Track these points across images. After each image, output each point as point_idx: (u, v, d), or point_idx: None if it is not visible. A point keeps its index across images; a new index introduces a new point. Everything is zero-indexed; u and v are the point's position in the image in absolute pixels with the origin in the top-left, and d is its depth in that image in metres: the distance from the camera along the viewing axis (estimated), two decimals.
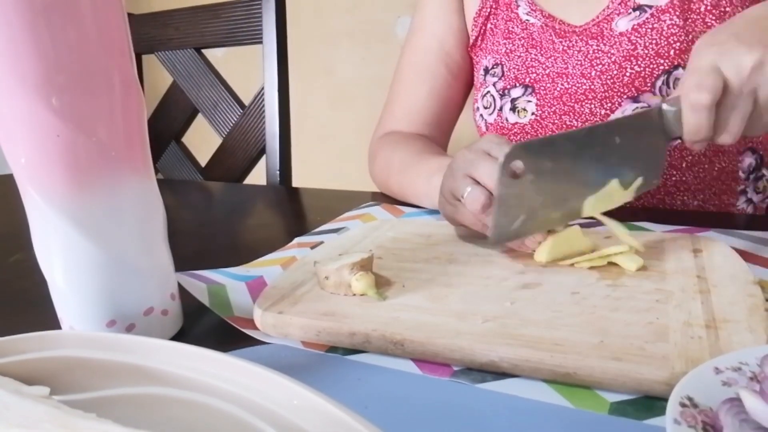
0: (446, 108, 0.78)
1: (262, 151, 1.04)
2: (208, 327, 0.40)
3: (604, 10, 0.63)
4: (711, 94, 0.40)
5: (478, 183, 0.44)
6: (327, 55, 2.01)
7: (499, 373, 0.31)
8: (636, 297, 0.36)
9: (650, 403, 0.28)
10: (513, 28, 0.68)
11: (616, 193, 0.44)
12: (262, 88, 1.03)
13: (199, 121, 1.16)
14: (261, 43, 1.03)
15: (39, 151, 0.32)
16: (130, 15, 1.09)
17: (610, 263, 0.41)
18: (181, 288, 0.41)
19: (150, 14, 1.17)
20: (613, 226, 0.43)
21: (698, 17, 0.58)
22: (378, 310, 0.37)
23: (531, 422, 0.27)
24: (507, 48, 0.69)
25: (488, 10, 0.71)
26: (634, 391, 0.29)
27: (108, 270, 0.34)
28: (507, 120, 0.68)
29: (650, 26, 0.59)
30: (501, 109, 0.69)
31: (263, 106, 1.03)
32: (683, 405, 0.23)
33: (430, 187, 0.58)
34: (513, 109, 0.67)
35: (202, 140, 1.27)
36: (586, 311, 0.35)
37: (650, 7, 0.59)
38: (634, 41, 0.60)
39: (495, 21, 0.70)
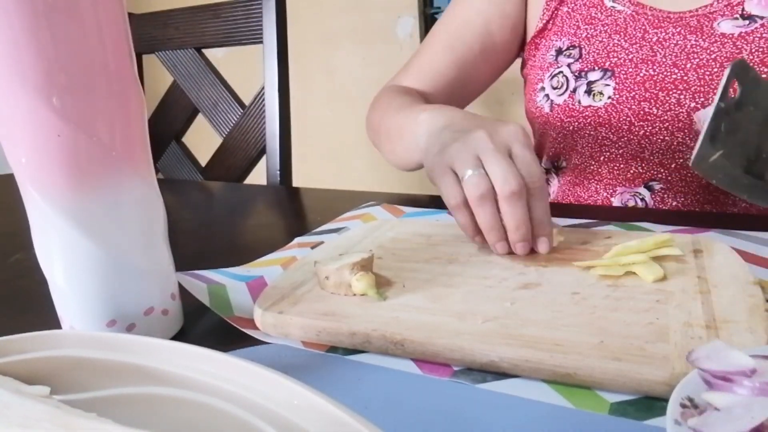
0: (466, 84, 0.77)
1: (263, 151, 1.04)
2: (209, 327, 0.40)
3: (705, 6, 0.61)
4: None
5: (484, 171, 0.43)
6: (327, 55, 2.01)
7: (499, 374, 0.31)
8: (636, 297, 0.36)
9: (650, 403, 0.28)
10: (595, 14, 0.67)
11: None
12: (263, 88, 1.03)
13: (200, 120, 1.16)
14: (261, 43, 1.03)
15: (40, 150, 0.32)
16: (130, 15, 1.09)
17: (628, 273, 0.40)
18: (181, 288, 0.41)
19: (150, 14, 1.17)
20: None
21: None
22: (378, 310, 0.37)
23: (531, 422, 0.27)
24: (588, 33, 0.67)
25: None
26: (634, 391, 0.29)
27: (108, 270, 0.34)
28: (579, 102, 0.66)
29: (758, 35, 0.59)
30: (575, 91, 0.67)
31: (263, 106, 1.03)
32: (684, 405, 0.23)
33: (416, 123, 0.57)
34: (588, 92, 0.66)
35: (203, 140, 1.27)
36: (586, 311, 0.35)
37: (761, 17, 0.59)
38: (739, 46, 0.59)
39: (572, 5, 0.69)
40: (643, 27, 0.64)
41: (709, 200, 0.65)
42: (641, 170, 0.66)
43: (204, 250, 0.59)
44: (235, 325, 0.38)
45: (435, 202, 0.72)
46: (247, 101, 1.07)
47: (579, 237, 0.48)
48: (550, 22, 0.71)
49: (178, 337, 0.39)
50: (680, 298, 0.35)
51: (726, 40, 0.60)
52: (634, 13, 0.65)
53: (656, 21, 0.64)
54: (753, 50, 0.58)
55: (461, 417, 0.28)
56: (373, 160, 1.95)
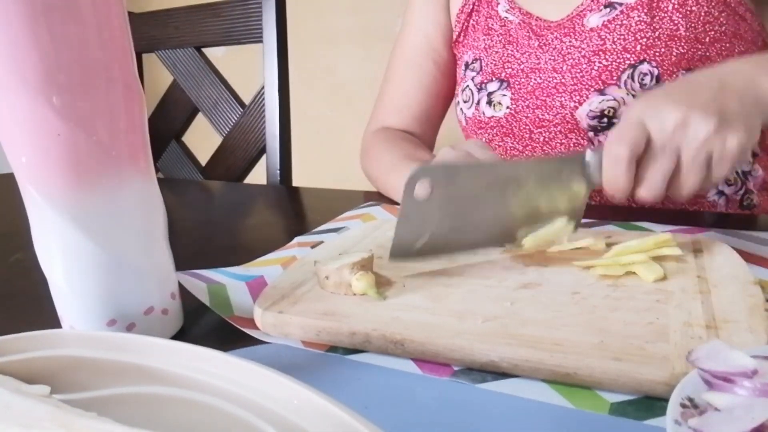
0: (434, 102, 0.81)
1: (263, 151, 1.04)
2: (209, 326, 0.40)
3: (577, 7, 0.65)
4: (630, 148, 0.40)
5: None
6: (327, 54, 2.01)
7: (499, 373, 0.31)
8: (636, 297, 0.36)
9: (650, 403, 0.28)
10: (492, 24, 0.71)
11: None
12: (263, 88, 1.03)
13: (200, 120, 1.16)
14: (261, 42, 1.03)
15: (39, 150, 0.32)
16: (130, 14, 1.09)
17: (628, 272, 0.40)
18: (181, 287, 0.41)
19: (150, 13, 1.17)
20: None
21: (665, 15, 0.60)
22: (378, 310, 0.37)
23: (531, 422, 0.27)
24: (486, 44, 0.71)
25: (470, 6, 0.73)
26: (634, 391, 0.29)
27: (108, 269, 0.34)
28: (484, 114, 0.70)
29: (619, 22, 0.61)
30: (478, 102, 0.71)
31: (263, 105, 1.03)
32: (684, 406, 0.23)
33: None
34: (489, 102, 0.69)
35: (203, 139, 1.27)
36: (586, 311, 0.35)
37: (620, 4, 0.62)
38: (603, 36, 0.62)
39: (477, 18, 0.73)
40: (528, 35, 0.67)
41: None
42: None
43: (204, 249, 0.59)
44: (235, 324, 0.38)
45: None
46: (247, 100, 1.07)
47: (579, 237, 0.48)
48: (461, 35, 0.75)
49: (178, 336, 0.39)
50: (680, 298, 0.35)
51: (593, 34, 0.62)
52: (521, 22, 0.68)
53: (539, 29, 0.67)
54: (615, 39, 0.61)
55: (461, 417, 0.28)
56: None
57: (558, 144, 0.66)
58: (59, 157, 0.32)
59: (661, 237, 0.42)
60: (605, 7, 0.62)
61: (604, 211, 0.65)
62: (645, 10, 0.60)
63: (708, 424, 0.22)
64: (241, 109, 1.07)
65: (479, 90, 0.70)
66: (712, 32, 0.60)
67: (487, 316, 0.35)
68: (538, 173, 0.43)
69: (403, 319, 0.35)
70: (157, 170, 0.39)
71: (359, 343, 0.34)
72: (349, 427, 0.19)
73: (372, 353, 0.34)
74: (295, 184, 1.02)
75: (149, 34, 1.16)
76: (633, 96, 0.61)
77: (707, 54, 0.60)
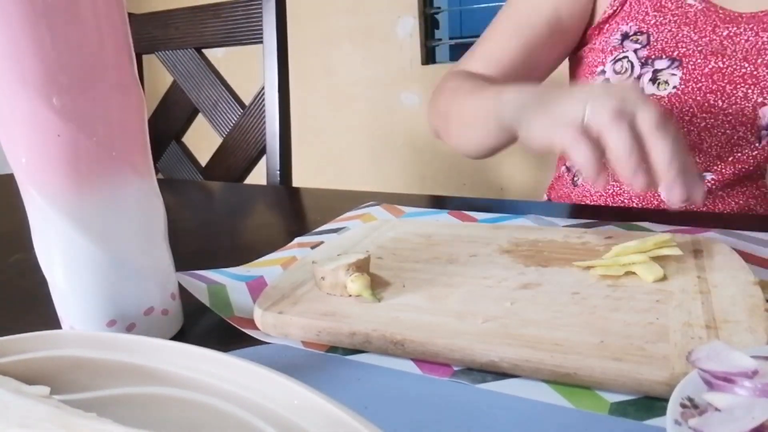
0: (532, 68, 0.75)
1: (263, 151, 1.04)
2: (209, 327, 0.40)
3: None
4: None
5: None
6: (327, 55, 2.01)
7: (499, 374, 0.31)
8: (636, 297, 0.36)
9: (650, 403, 0.28)
10: (666, 3, 0.66)
11: None
12: (263, 88, 1.03)
13: (200, 120, 1.16)
14: (261, 43, 1.03)
15: (40, 150, 0.32)
16: (130, 15, 1.09)
17: (628, 272, 0.39)
18: (181, 288, 0.41)
19: (150, 14, 1.17)
20: None
21: None
22: (378, 310, 0.37)
23: (531, 422, 0.27)
24: (657, 20, 0.66)
25: None
26: (634, 391, 0.29)
27: (108, 270, 0.34)
28: (642, 90, 0.63)
29: None
30: (639, 77, 0.66)
31: (263, 105, 1.03)
32: (684, 406, 0.23)
33: (499, 101, 0.55)
34: (654, 80, 0.65)
35: (203, 140, 1.27)
36: (586, 311, 0.35)
37: None
38: None
39: None
40: (714, 22, 0.63)
41: (755, 196, 0.65)
42: (698, 161, 0.65)
43: (204, 250, 0.59)
44: (235, 325, 0.38)
45: (435, 202, 0.72)
46: (247, 101, 1.07)
47: (578, 236, 0.48)
48: (619, 9, 0.69)
49: (178, 337, 0.39)
50: (680, 298, 0.35)
51: None
52: (705, 9, 0.64)
53: (728, 18, 0.63)
54: None
55: (461, 417, 0.28)
56: (373, 160, 1.95)
57: (720, 133, 0.63)
58: (59, 158, 0.32)
59: (660, 237, 0.42)
60: None
61: (605, 211, 0.65)
62: None
63: (708, 424, 0.22)
64: (241, 110, 1.07)
65: (643, 65, 0.65)
66: None
67: (487, 317, 0.35)
68: None
69: (403, 320, 0.35)
70: (157, 171, 0.39)
71: (359, 344, 0.34)
72: (349, 428, 0.19)
73: (372, 353, 0.34)
74: (295, 184, 1.02)
75: (149, 34, 1.16)
76: None
77: None
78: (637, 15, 0.67)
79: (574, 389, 0.30)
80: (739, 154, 0.64)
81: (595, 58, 0.72)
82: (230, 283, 0.45)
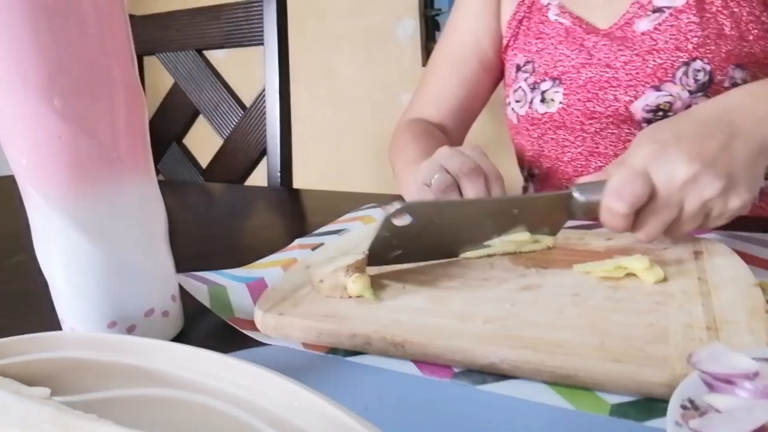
0: (473, 99, 0.84)
1: (263, 153, 1.04)
2: (209, 328, 0.40)
3: (625, 14, 0.68)
4: (630, 204, 0.39)
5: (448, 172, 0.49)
6: (328, 57, 2.01)
7: (499, 375, 0.31)
8: (636, 299, 0.36)
9: (651, 404, 0.28)
10: (544, 29, 0.75)
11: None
12: (263, 90, 1.03)
13: (200, 122, 1.16)
14: (262, 44, 1.03)
15: (41, 152, 0.32)
16: (131, 16, 1.09)
17: (628, 274, 0.40)
18: (181, 289, 0.41)
19: (151, 16, 1.17)
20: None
21: (711, 15, 0.64)
22: (379, 312, 0.37)
23: (531, 424, 0.27)
24: (538, 47, 0.74)
25: (521, 14, 0.77)
26: (634, 392, 0.29)
27: (109, 271, 0.34)
28: (537, 111, 0.74)
29: (669, 24, 0.65)
30: (531, 101, 0.74)
31: (264, 107, 1.03)
32: (684, 407, 0.23)
33: (405, 174, 0.67)
34: (542, 100, 0.73)
35: (203, 142, 1.27)
36: (586, 313, 0.35)
37: (668, 8, 0.65)
38: (655, 38, 0.65)
39: (528, 24, 0.77)
40: (581, 35, 0.71)
41: None
42: (600, 164, 0.72)
43: (205, 251, 0.59)
44: (235, 326, 0.38)
45: None
46: (247, 103, 1.07)
47: (579, 237, 0.48)
48: (512, 39, 0.79)
49: (179, 338, 0.39)
50: (681, 300, 0.35)
51: (645, 37, 0.66)
52: (572, 23, 0.72)
53: (590, 29, 0.71)
54: (667, 39, 0.65)
55: (462, 418, 0.28)
56: (373, 162, 1.95)
57: (610, 133, 0.69)
58: (60, 159, 0.32)
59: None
60: (653, 12, 0.66)
61: None
62: (693, 12, 0.64)
63: (709, 426, 0.22)
64: (242, 112, 1.08)
65: (533, 89, 0.74)
66: (756, 30, 0.63)
67: (488, 318, 0.35)
68: (519, 207, 0.44)
69: (403, 321, 0.35)
70: (157, 172, 0.39)
71: (360, 345, 0.34)
72: (350, 429, 0.19)
73: (373, 355, 0.34)
74: (295, 186, 1.02)
75: (150, 36, 1.16)
76: (689, 92, 0.64)
77: (752, 50, 0.63)
78: (524, 46, 0.76)
79: (575, 390, 0.30)
80: None
81: (505, 90, 0.82)
82: (231, 284, 0.45)
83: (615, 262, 0.40)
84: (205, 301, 0.41)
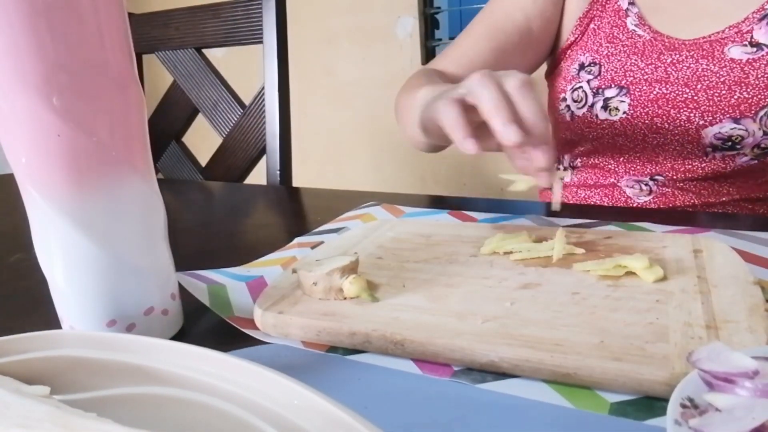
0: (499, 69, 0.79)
1: (263, 151, 1.04)
2: (209, 327, 0.40)
3: (716, 33, 0.66)
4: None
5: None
6: (327, 55, 2.01)
7: (499, 374, 0.31)
8: (636, 297, 0.36)
9: (650, 403, 0.28)
10: (618, 34, 0.71)
11: None
12: (263, 88, 1.03)
13: (200, 120, 1.16)
14: (261, 42, 1.03)
15: (39, 150, 0.32)
16: (130, 15, 1.09)
17: (628, 273, 0.39)
18: (181, 288, 0.41)
19: (150, 14, 1.17)
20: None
21: None
22: (378, 310, 0.37)
23: (531, 422, 0.27)
24: (608, 51, 0.71)
25: (594, 13, 0.74)
26: (634, 391, 0.29)
27: (108, 270, 0.34)
28: (597, 116, 0.71)
29: (765, 62, 0.63)
30: (592, 106, 0.71)
31: (263, 105, 1.03)
32: (684, 406, 0.23)
33: (418, 97, 0.60)
34: (605, 107, 0.70)
35: (203, 140, 1.27)
36: (586, 311, 0.35)
37: (767, 45, 0.63)
38: (746, 71, 0.63)
39: (599, 23, 0.73)
40: (659, 50, 0.68)
41: (705, 187, 0.71)
42: (653, 170, 0.71)
43: (204, 250, 0.59)
44: (235, 325, 0.38)
45: (435, 202, 0.72)
46: (247, 101, 1.07)
47: (579, 237, 0.48)
48: (580, 36, 0.75)
49: (178, 337, 0.39)
50: (680, 298, 0.35)
51: (735, 65, 0.64)
52: (652, 39, 0.69)
53: (671, 46, 0.68)
54: (759, 75, 0.63)
55: (461, 417, 0.28)
56: (373, 160, 1.95)
57: (672, 149, 0.68)
58: (59, 158, 0.32)
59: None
60: (751, 45, 0.64)
61: (605, 211, 0.65)
62: None
63: (709, 424, 0.22)
64: (241, 110, 1.07)
65: (595, 94, 0.71)
66: None
67: (487, 317, 0.35)
68: None
69: (403, 320, 0.35)
70: (157, 171, 0.39)
71: (359, 344, 0.34)
72: (349, 427, 0.19)
73: (372, 353, 0.34)
74: (295, 184, 1.02)
75: (149, 34, 1.16)
76: (764, 132, 0.63)
77: None
78: (592, 46, 0.73)
79: (574, 389, 0.30)
80: (690, 165, 0.69)
81: (559, 85, 0.77)
82: (230, 283, 0.45)
83: (614, 260, 0.40)
84: (205, 299, 0.41)
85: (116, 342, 0.26)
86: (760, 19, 0.63)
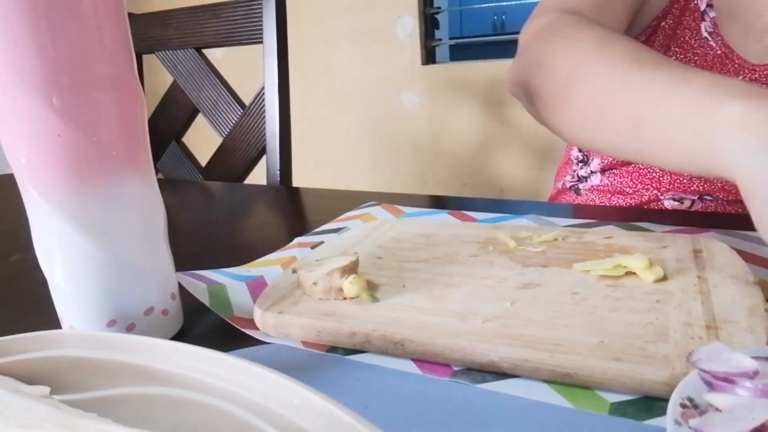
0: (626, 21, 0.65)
1: (263, 151, 1.04)
2: (209, 327, 0.40)
3: None
4: None
5: None
6: (327, 54, 2.01)
7: (499, 374, 0.31)
8: (636, 297, 0.36)
9: (651, 403, 0.28)
10: (689, 38, 0.67)
11: None
12: (263, 88, 1.03)
13: (200, 120, 1.16)
14: (261, 42, 1.03)
15: (39, 150, 0.32)
16: (130, 15, 1.09)
17: (628, 273, 0.39)
18: (181, 288, 0.41)
19: (150, 14, 1.17)
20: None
21: None
22: (378, 310, 0.37)
23: (531, 422, 0.27)
24: (677, 56, 0.67)
25: (671, 10, 0.67)
26: (634, 391, 0.29)
27: (108, 270, 0.34)
28: None
29: None
30: None
31: (263, 105, 1.03)
32: (684, 406, 0.23)
33: (714, 125, 0.36)
34: None
35: (203, 140, 1.27)
36: (586, 311, 0.35)
37: None
38: None
39: (672, 22, 0.67)
40: (728, 71, 0.64)
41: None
42: (703, 188, 0.68)
43: (204, 250, 0.59)
44: (235, 325, 0.38)
45: (435, 202, 0.72)
46: (247, 101, 1.07)
47: (579, 237, 0.48)
48: (653, 32, 0.69)
49: (178, 337, 0.39)
50: (680, 298, 0.35)
51: None
52: (723, 55, 0.65)
53: (741, 68, 0.64)
54: None
55: (461, 417, 0.28)
56: (373, 160, 1.95)
57: None
58: (59, 158, 0.32)
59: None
60: None
61: (605, 211, 0.65)
62: None
63: (709, 424, 0.22)
64: (241, 110, 1.07)
65: None
66: None
67: (487, 317, 0.35)
68: None
69: (403, 320, 0.35)
70: (157, 171, 0.39)
71: (359, 344, 0.34)
72: (349, 428, 0.19)
73: (372, 353, 0.34)
74: (295, 184, 1.02)
75: (149, 35, 1.16)
76: None
77: None
78: (660, 47, 0.67)
79: (574, 389, 0.30)
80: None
81: None
82: (230, 283, 0.45)
83: (614, 260, 0.40)
84: (205, 299, 0.41)
85: (116, 342, 0.26)
86: None
